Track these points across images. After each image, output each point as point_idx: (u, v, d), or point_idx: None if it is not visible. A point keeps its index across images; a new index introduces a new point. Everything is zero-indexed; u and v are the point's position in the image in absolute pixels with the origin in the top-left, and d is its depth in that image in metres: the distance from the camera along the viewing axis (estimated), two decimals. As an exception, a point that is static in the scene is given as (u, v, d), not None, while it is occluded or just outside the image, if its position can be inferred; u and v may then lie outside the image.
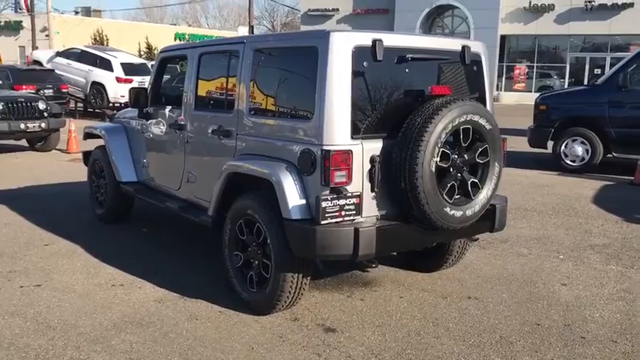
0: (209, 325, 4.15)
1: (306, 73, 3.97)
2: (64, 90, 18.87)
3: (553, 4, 31.15)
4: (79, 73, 20.29)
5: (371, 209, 3.99)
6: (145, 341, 3.89)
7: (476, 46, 4.57)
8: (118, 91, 19.63)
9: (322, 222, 3.74)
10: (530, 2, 31.48)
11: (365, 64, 3.90)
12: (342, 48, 3.81)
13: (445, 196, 3.97)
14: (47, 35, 41.48)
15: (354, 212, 3.85)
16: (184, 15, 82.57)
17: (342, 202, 3.79)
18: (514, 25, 32.05)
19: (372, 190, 3.95)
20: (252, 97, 4.46)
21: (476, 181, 4.16)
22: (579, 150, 10.30)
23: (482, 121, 4.06)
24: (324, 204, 3.73)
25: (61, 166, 10.89)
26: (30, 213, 7.09)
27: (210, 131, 4.85)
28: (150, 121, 5.76)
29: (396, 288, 4.90)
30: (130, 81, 19.80)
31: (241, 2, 67.73)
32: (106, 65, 19.93)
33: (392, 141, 3.95)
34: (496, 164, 4.23)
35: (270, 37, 4.77)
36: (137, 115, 5.97)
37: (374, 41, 3.90)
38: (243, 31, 62.72)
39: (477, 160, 4.15)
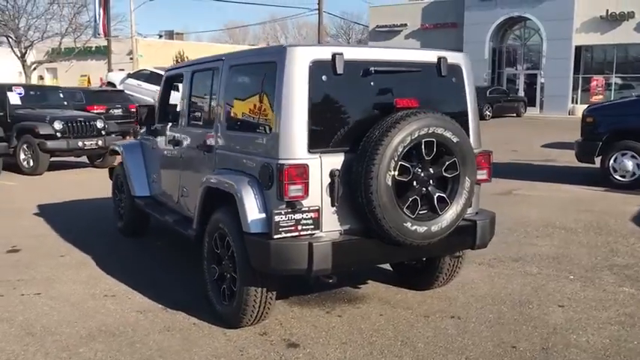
0: (178, 336, 4.23)
1: (267, 88, 4.01)
2: (132, 109, 19.76)
3: (633, 12, 29.67)
4: (147, 93, 21.23)
5: (332, 224, 3.95)
6: (110, 350, 4.01)
7: (455, 58, 4.45)
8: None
9: (275, 236, 3.74)
10: (607, 11, 30.13)
11: (324, 78, 3.89)
12: (298, 62, 3.82)
13: (406, 211, 3.87)
14: (131, 58, 43.62)
15: (312, 227, 3.83)
16: (265, 35, 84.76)
17: (298, 216, 3.78)
18: (590, 35, 30.74)
19: (333, 205, 3.92)
20: (228, 112, 4.54)
21: (443, 195, 4.03)
22: (629, 164, 9.71)
23: (448, 134, 3.94)
24: (277, 218, 3.73)
25: (111, 181, 11.40)
26: (61, 225, 7.48)
27: (196, 146, 4.98)
28: (156, 138, 5.98)
29: (380, 305, 4.80)
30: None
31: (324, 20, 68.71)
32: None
33: (354, 155, 3.90)
34: (467, 179, 4.08)
35: (242, 54, 4.83)
36: (145, 133, 6.21)
37: (333, 55, 3.89)
38: (318, 49, 63.92)
39: (444, 174, 4.02)
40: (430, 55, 4.34)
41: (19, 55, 42.45)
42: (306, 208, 3.81)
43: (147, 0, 46.06)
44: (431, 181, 4.00)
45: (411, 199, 3.90)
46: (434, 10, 34.85)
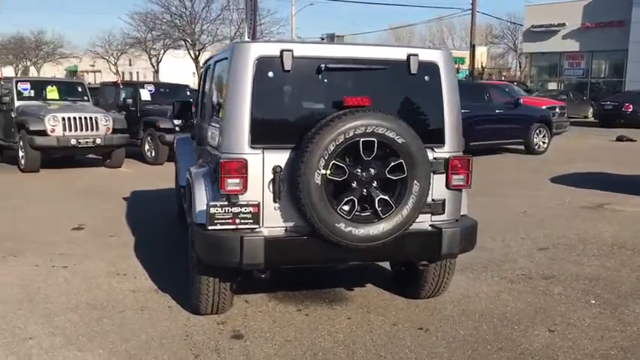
0: (146, 316, 4.51)
1: (223, 84, 4.13)
2: None
3: None
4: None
5: (276, 220, 3.96)
6: (80, 321, 4.39)
7: (430, 55, 4.22)
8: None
9: (210, 227, 3.85)
10: None
11: (270, 74, 3.92)
12: (243, 59, 3.89)
13: (340, 212, 3.77)
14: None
15: (251, 221, 3.88)
16: (431, 37, 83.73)
17: (236, 209, 3.85)
18: None
19: (275, 201, 3.93)
20: (209, 106, 4.73)
21: (386, 198, 3.86)
22: None
23: (391, 135, 3.76)
24: (212, 210, 3.83)
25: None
26: (135, 210, 8.22)
27: (196, 140, 5.24)
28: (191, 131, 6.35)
29: (356, 309, 4.70)
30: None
31: (490, 20, 66.29)
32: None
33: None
34: (415, 182, 3.86)
35: (221, 50, 4.98)
36: (181, 126, 6.61)
37: (281, 51, 3.90)
38: (481, 51, 61.61)
39: (389, 176, 3.85)
40: (398, 52, 4.16)
41: (194, 57, 46.51)
42: (245, 203, 3.87)
43: (307, 4, 47.97)
44: (374, 183, 3.85)
45: (347, 200, 3.79)
46: (597, 7, 32.10)
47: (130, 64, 63.83)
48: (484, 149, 14.49)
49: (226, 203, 3.85)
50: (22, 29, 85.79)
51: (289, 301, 4.83)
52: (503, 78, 47.48)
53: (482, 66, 46.80)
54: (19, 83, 12.78)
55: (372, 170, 3.84)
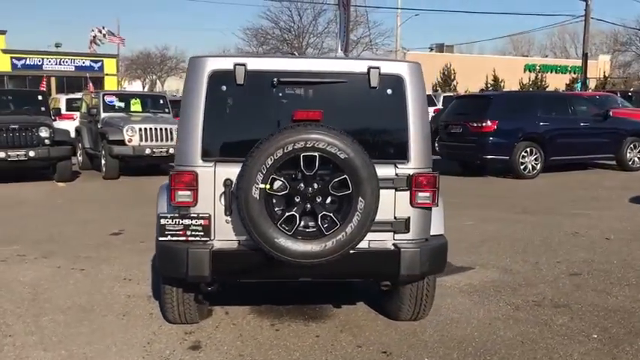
0: (124, 322, 4.66)
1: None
2: None
3: None
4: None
5: (228, 233, 3.96)
6: (61, 323, 4.62)
7: (395, 68, 4.04)
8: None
9: (161, 238, 3.93)
10: None
11: (224, 88, 3.94)
12: (197, 72, 3.94)
13: (281, 227, 3.70)
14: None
15: (201, 234, 3.91)
16: (552, 46, 79.99)
17: (186, 222, 3.90)
18: None
19: (226, 214, 3.94)
20: None
21: (329, 214, 3.73)
22: None
23: (333, 150, 3.64)
24: (162, 221, 3.91)
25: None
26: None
27: None
28: None
29: (330, 327, 4.58)
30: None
31: (616, 26, 61.91)
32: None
33: None
34: (361, 199, 3.70)
35: None
36: None
37: (235, 65, 3.91)
38: (604, 59, 57.80)
39: (332, 192, 3.72)
40: (358, 65, 4.02)
41: (300, 69, 47.56)
42: (195, 215, 3.91)
43: (412, 15, 47.59)
44: (318, 199, 3.75)
45: (288, 215, 3.72)
46: None
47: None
48: (567, 164, 13.61)
49: (177, 215, 3.91)
50: (149, 46, 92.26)
51: (268, 315, 4.80)
52: (632, 88, 44.04)
53: (604, 75, 43.89)
54: (105, 96, 13.73)
55: (316, 185, 3.74)
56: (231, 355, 4.09)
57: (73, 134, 14.85)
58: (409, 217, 4.03)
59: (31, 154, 11.45)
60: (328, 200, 3.78)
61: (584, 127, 13.40)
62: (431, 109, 20.88)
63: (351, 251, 3.81)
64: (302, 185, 3.73)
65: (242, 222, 3.72)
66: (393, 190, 4.00)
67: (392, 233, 4.04)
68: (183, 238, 3.91)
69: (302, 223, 3.76)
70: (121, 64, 75.05)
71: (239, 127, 4.00)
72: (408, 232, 4.03)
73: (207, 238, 3.92)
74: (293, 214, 3.72)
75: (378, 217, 3.92)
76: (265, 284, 5.08)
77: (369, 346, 4.26)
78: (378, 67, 3.98)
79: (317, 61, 4.12)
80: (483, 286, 5.64)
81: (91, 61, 41.60)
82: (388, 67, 4.02)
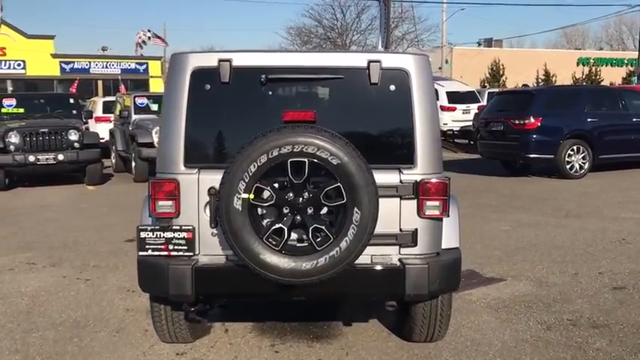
0: (115, 339, 4.35)
1: None
2: None
3: None
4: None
5: (214, 247, 3.58)
6: (50, 340, 4.34)
7: (399, 61, 3.58)
8: (441, 119, 20.14)
9: (141, 253, 3.58)
10: None
11: (207, 87, 3.56)
12: (178, 71, 3.57)
13: (267, 241, 3.29)
14: (440, 68, 44.57)
15: (185, 248, 3.54)
16: (608, 38, 77.03)
17: (168, 234, 3.54)
18: None
19: (211, 226, 3.56)
20: None
21: (320, 227, 3.30)
22: None
23: (324, 155, 3.21)
24: (142, 234, 3.56)
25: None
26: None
27: None
28: None
29: (335, 349, 4.15)
30: (453, 109, 20.12)
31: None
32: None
33: None
34: (356, 210, 3.25)
35: None
36: None
37: (219, 62, 3.52)
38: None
39: (324, 202, 3.29)
40: (357, 59, 3.57)
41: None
42: (178, 227, 3.55)
43: (458, 10, 46.54)
44: (309, 210, 3.32)
45: (274, 228, 3.30)
46: None
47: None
48: (618, 163, 12.74)
49: (157, 227, 3.56)
50: (194, 47, 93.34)
51: (270, 334, 4.40)
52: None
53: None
54: (136, 98, 13.62)
55: (307, 195, 3.31)
56: (221, 381, 3.72)
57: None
58: (416, 229, 3.57)
59: (60, 157, 11.40)
60: (320, 211, 3.34)
61: (637, 123, 12.50)
62: (474, 106, 20.21)
63: (349, 268, 3.38)
64: (291, 195, 3.31)
65: (224, 235, 3.33)
66: (398, 199, 3.54)
67: (397, 247, 3.58)
68: (165, 253, 3.55)
69: (291, 237, 3.34)
70: (167, 66, 76.40)
71: (225, 130, 3.61)
72: (416, 245, 3.57)
73: (192, 253, 3.55)
74: (280, 227, 3.30)
75: (382, 230, 3.48)
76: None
77: (373, 371, 3.82)
78: (378, 61, 3.53)
79: (310, 56, 3.69)
80: (513, 301, 5.10)
81: (137, 63, 42.07)
82: (391, 61, 3.56)
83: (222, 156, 3.55)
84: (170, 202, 3.54)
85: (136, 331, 4.49)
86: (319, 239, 3.30)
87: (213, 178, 3.49)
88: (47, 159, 11.37)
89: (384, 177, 3.49)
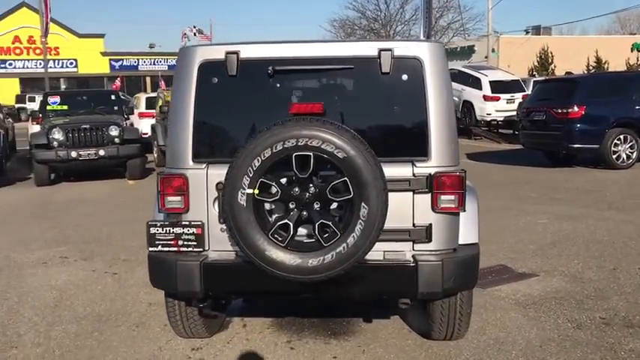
0: (134, 334, 4.37)
1: None
2: None
3: None
4: (454, 93, 21.02)
5: (224, 243, 3.52)
6: (72, 334, 4.39)
7: (410, 49, 3.44)
8: (484, 109, 19.72)
9: (151, 249, 3.56)
10: None
11: (215, 80, 3.50)
12: (186, 64, 3.53)
13: (272, 237, 3.21)
14: (486, 57, 43.63)
15: (194, 244, 3.51)
16: (671, 22, 73.80)
17: (178, 230, 3.52)
18: None
19: (220, 222, 3.51)
20: None
21: (327, 223, 3.20)
22: None
23: (329, 148, 3.11)
24: (152, 230, 3.54)
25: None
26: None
27: None
28: None
29: (352, 347, 4.06)
30: (497, 99, 19.64)
31: None
32: (476, 84, 20.16)
33: None
34: (363, 205, 3.14)
35: None
36: None
37: (226, 54, 3.46)
38: None
39: (330, 197, 3.19)
40: (368, 48, 3.45)
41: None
42: (187, 223, 3.51)
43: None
44: (316, 205, 3.22)
45: (280, 223, 3.23)
46: None
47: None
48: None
49: (167, 223, 3.53)
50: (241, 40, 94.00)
51: (288, 330, 4.34)
52: None
53: None
54: (175, 93, 13.74)
55: (313, 190, 3.22)
56: (233, 376, 3.68)
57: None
58: (431, 225, 3.43)
59: (101, 152, 11.64)
60: (327, 206, 3.25)
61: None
62: (519, 95, 19.67)
63: (359, 265, 3.28)
64: (296, 190, 3.22)
65: (229, 231, 3.28)
66: (411, 193, 3.42)
67: (411, 243, 3.46)
68: (175, 249, 3.53)
69: (297, 232, 3.25)
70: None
71: (233, 124, 3.56)
72: (430, 241, 3.44)
73: (201, 249, 3.51)
74: (286, 223, 3.22)
75: (395, 225, 3.37)
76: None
77: (388, 369, 3.71)
78: (390, 50, 3.40)
79: (319, 46, 3.57)
80: (544, 297, 4.90)
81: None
82: (403, 49, 3.43)
83: (231, 150, 3.48)
84: (179, 198, 3.51)
85: (156, 325, 4.51)
86: (326, 235, 3.20)
87: (222, 173, 3.42)
88: (89, 154, 11.63)
89: (396, 170, 3.38)
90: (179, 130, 3.55)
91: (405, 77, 3.43)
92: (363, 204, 3.14)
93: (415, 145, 3.45)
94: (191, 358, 3.95)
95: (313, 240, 3.26)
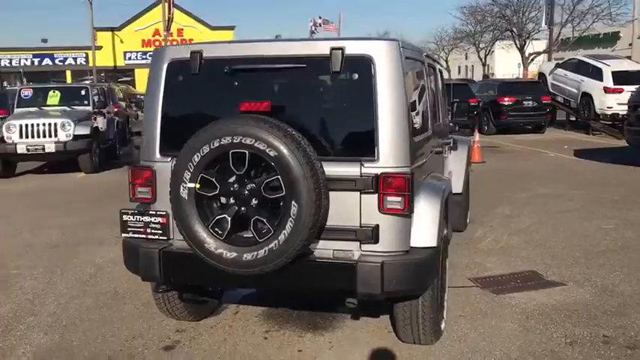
0: (135, 312, 4.70)
1: None
2: (544, 101, 18.89)
3: None
4: (572, 84, 19.74)
5: None
6: (83, 307, 4.82)
7: (362, 47, 3.38)
8: (605, 102, 18.30)
9: (123, 235, 3.84)
10: None
11: (180, 78, 3.69)
12: (157, 63, 3.74)
13: (212, 230, 3.35)
14: (630, 44, 40.40)
15: (160, 232, 3.73)
16: None
17: (146, 219, 3.76)
18: None
19: (179, 213, 3.70)
20: None
21: (262, 219, 3.27)
22: None
23: (261, 146, 3.17)
24: (124, 217, 3.81)
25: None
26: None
27: None
28: None
29: (325, 342, 4.10)
30: (620, 91, 18.12)
31: None
32: (597, 74, 18.73)
33: None
34: (294, 203, 3.17)
35: None
36: None
37: (191, 53, 3.63)
38: None
39: (264, 194, 3.25)
40: (321, 47, 3.44)
41: (519, 47, 44.65)
42: (154, 212, 3.75)
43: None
44: (253, 201, 3.31)
45: (218, 218, 3.35)
46: None
47: (466, 58, 64.18)
48: None
49: (136, 211, 3.79)
50: (371, 31, 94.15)
51: (272, 320, 4.46)
52: None
53: None
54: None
55: (250, 187, 3.30)
56: (200, 356, 3.87)
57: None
58: (377, 225, 3.38)
59: (48, 147, 11.77)
60: (262, 203, 3.32)
61: None
62: (632, 88, 17.94)
63: (305, 262, 3.35)
64: (236, 186, 3.33)
65: (175, 223, 3.46)
66: (359, 193, 3.39)
67: (358, 243, 3.43)
68: (144, 236, 3.77)
69: (236, 227, 3.36)
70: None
71: (194, 120, 3.70)
72: (377, 242, 3.39)
73: (166, 237, 3.72)
74: (224, 217, 3.34)
75: (343, 224, 3.40)
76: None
77: (344, 367, 3.71)
78: (341, 48, 3.38)
79: (275, 45, 3.62)
80: (555, 308, 4.60)
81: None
82: (354, 48, 3.39)
83: None
84: (147, 189, 3.75)
85: (150, 306, 4.80)
86: (261, 231, 3.29)
87: None
88: (36, 149, 11.80)
89: (344, 169, 3.38)
90: (149, 126, 3.78)
91: (355, 76, 3.40)
92: (293, 202, 3.18)
93: (364, 146, 3.40)
94: (170, 339, 4.20)
95: (251, 235, 3.35)
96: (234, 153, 3.25)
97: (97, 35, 41.42)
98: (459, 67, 68.08)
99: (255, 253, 3.29)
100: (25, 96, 13.48)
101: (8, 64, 43.42)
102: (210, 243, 3.35)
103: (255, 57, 3.57)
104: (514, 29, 44.56)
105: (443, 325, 4.10)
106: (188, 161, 3.32)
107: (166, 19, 27.38)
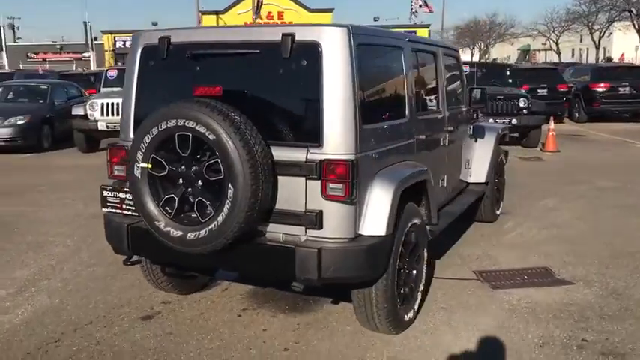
0: (135, 283, 4.95)
1: None
2: (561, 89, 17.44)
3: None
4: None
5: None
6: (92, 275, 5.18)
7: (310, 34, 3.38)
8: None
9: (103, 209, 4.10)
10: None
11: (152, 63, 3.86)
12: (133, 48, 3.94)
13: (162, 209, 3.51)
14: None
15: (133, 209, 3.97)
16: None
17: (122, 195, 3.99)
18: None
19: (151, 190, 3.90)
20: None
21: (203, 200, 3.38)
22: None
23: (202, 129, 3.27)
24: (104, 193, 4.06)
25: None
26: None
27: None
28: None
29: (290, 324, 4.17)
30: None
31: None
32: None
33: None
34: (230, 187, 3.25)
35: None
36: None
37: (160, 39, 3.79)
38: None
39: (206, 176, 3.36)
40: (273, 33, 3.47)
41: (637, 28, 41.54)
42: (128, 189, 3.97)
43: None
44: (198, 183, 3.43)
45: (167, 197, 3.50)
46: None
47: (581, 41, 60.54)
48: None
49: (114, 188, 4.03)
50: (479, 14, 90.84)
51: (253, 299, 4.59)
52: None
53: None
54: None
55: (195, 168, 3.43)
56: (158, 333, 4.07)
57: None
58: (321, 211, 3.40)
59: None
60: (205, 185, 3.43)
61: None
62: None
63: (252, 243, 3.46)
64: (183, 167, 3.47)
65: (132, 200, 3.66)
66: (304, 179, 3.42)
67: (304, 228, 3.47)
68: (120, 212, 4.01)
69: (183, 207, 3.50)
70: (453, 33, 75.84)
71: (161, 103, 3.86)
72: (321, 228, 3.41)
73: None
74: (172, 197, 3.49)
75: (289, 208, 3.46)
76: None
77: (295, 350, 3.77)
78: (291, 35, 3.40)
79: (233, 31, 3.70)
80: (547, 308, 4.39)
81: (405, 31, 43.14)
82: (303, 34, 3.40)
83: None
84: (123, 167, 3.97)
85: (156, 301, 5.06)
86: (204, 212, 3.41)
87: None
88: None
89: (291, 154, 3.42)
90: (125, 107, 3.99)
91: (304, 63, 3.41)
92: (230, 185, 3.27)
93: (310, 132, 3.42)
94: (153, 309, 4.44)
95: (195, 215, 3.48)
96: (179, 135, 3.38)
97: (203, 18, 43.10)
98: (572, 50, 64.36)
99: (198, 232, 3.41)
100: (110, 76, 14.41)
101: (122, 46, 46.17)
102: (161, 221, 3.52)
103: (213, 42, 3.68)
104: (632, 9, 41.50)
105: (410, 316, 4.04)
106: (140, 142, 3.49)
107: (255, 3, 28.01)
